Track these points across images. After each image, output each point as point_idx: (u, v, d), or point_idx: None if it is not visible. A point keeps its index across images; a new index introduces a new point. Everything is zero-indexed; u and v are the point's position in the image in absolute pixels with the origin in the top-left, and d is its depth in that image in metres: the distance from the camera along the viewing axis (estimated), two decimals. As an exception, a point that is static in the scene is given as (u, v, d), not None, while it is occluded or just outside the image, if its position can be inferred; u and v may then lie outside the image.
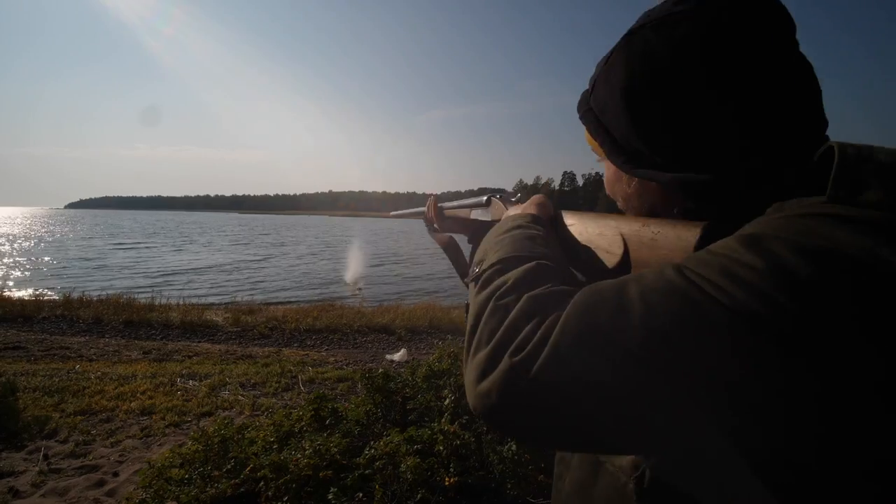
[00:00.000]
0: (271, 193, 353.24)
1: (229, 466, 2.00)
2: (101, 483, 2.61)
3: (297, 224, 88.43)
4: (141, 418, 3.65)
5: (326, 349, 7.44)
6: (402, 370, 2.64)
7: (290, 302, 13.35)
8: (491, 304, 0.43)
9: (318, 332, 8.66)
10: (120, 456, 2.97)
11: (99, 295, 11.26)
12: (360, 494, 1.62)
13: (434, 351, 3.67)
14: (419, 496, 1.54)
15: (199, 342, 7.60)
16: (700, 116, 0.42)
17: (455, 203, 0.96)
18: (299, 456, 1.86)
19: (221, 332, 8.38)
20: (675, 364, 0.32)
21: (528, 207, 0.64)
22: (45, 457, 2.91)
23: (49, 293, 11.82)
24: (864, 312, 0.29)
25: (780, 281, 0.30)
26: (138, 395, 4.14)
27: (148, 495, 1.96)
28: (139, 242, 34.79)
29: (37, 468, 2.74)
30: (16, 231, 50.11)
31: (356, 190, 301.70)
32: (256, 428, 2.45)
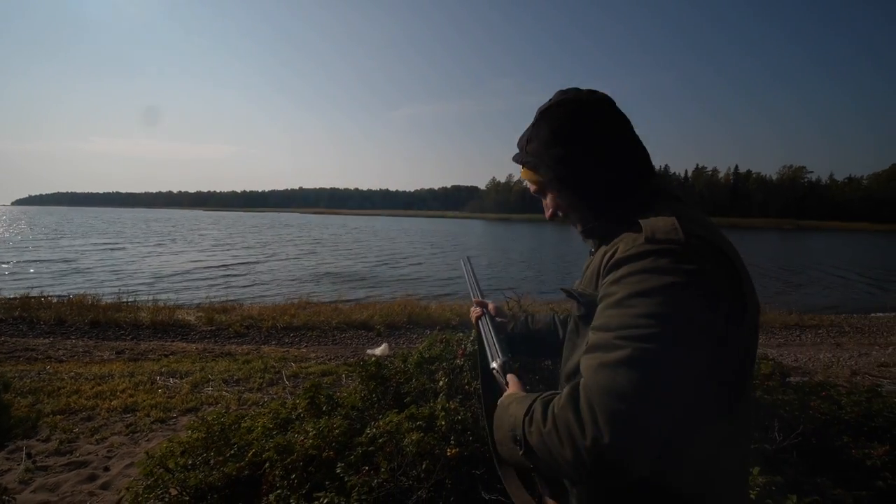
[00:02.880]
0: (238, 190, 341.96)
1: (233, 451, 2.08)
2: (92, 478, 2.62)
3: (273, 222, 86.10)
4: (124, 416, 3.63)
5: (306, 346, 7.45)
6: (393, 359, 2.76)
7: (262, 299, 13.13)
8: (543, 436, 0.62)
9: (295, 329, 8.64)
10: (108, 452, 2.97)
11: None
12: (366, 468, 1.74)
13: (417, 343, 3.78)
14: (423, 466, 1.68)
15: (173, 341, 7.45)
16: (590, 157, 0.80)
17: (484, 331, 1.08)
18: (302, 437, 1.96)
19: (195, 332, 8.23)
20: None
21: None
22: (29, 455, 2.88)
23: (4, 294, 11.20)
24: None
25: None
26: (118, 393, 4.09)
27: (150, 483, 2.02)
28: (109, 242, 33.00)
29: (21, 466, 2.72)
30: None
31: (327, 187, 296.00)
32: (253, 417, 2.52)
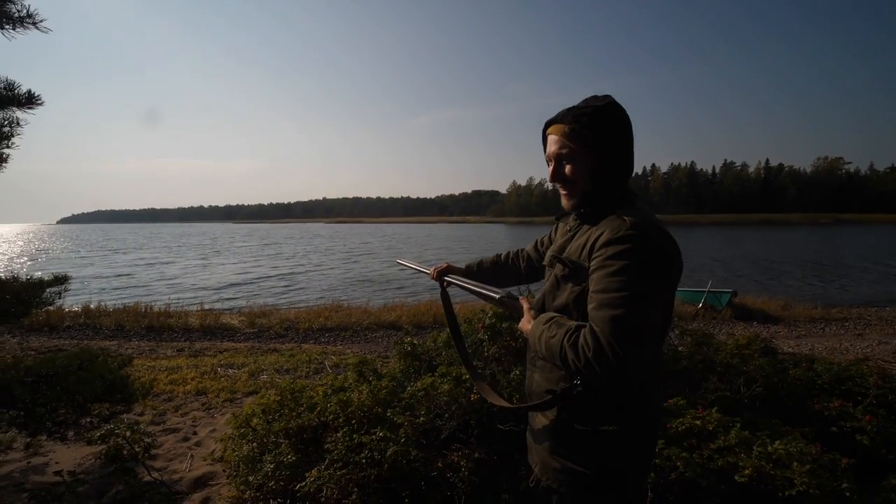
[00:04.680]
0: (265, 202, 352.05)
1: (304, 407, 2.63)
2: (186, 438, 3.23)
3: (301, 232, 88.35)
4: (198, 397, 4.27)
5: (341, 344, 8.06)
6: (424, 340, 3.27)
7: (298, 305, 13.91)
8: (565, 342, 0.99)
9: (330, 330, 9.27)
10: (193, 422, 3.59)
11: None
12: (408, 413, 2.25)
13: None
14: (453, 408, 2.18)
15: (222, 341, 8.19)
16: (619, 142, 1.10)
17: (468, 282, 1.42)
18: (357, 395, 2.50)
19: (239, 333, 8.96)
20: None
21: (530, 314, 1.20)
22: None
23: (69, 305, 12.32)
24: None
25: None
26: (189, 380, 4.75)
27: (241, 432, 2.59)
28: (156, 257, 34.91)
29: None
30: (16, 249, 50.06)
31: (350, 196, 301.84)
32: (312, 387, 3.08)
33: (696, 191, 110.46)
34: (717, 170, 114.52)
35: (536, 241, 1.55)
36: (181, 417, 3.71)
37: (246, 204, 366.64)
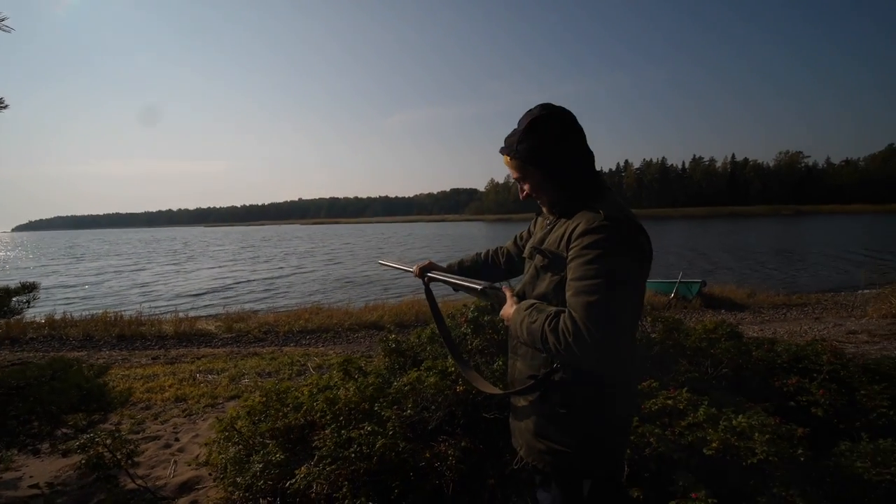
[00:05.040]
0: (238, 205, 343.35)
1: (290, 407, 2.65)
2: (168, 445, 3.19)
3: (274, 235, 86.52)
4: (177, 403, 4.20)
5: (323, 346, 8.00)
6: (408, 337, 3.32)
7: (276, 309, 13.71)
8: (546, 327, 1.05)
9: (311, 332, 9.19)
10: (174, 429, 3.54)
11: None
12: (395, 407, 2.30)
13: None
14: (439, 400, 2.24)
15: (199, 347, 8.02)
16: (565, 147, 1.15)
17: (451, 277, 1.52)
18: (344, 392, 2.53)
19: (217, 339, 8.79)
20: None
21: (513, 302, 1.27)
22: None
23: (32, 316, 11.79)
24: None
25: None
26: (166, 388, 4.66)
27: (226, 435, 2.59)
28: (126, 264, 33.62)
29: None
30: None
31: (326, 197, 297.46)
32: (297, 387, 3.09)
33: (667, 185, 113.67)
34: (687, 165, 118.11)
35: (516, 237, 1.62)
36: (161, 425, 3.65)
37: (218, 206, 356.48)
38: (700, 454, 1.80)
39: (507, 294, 1.29)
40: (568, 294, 1.06)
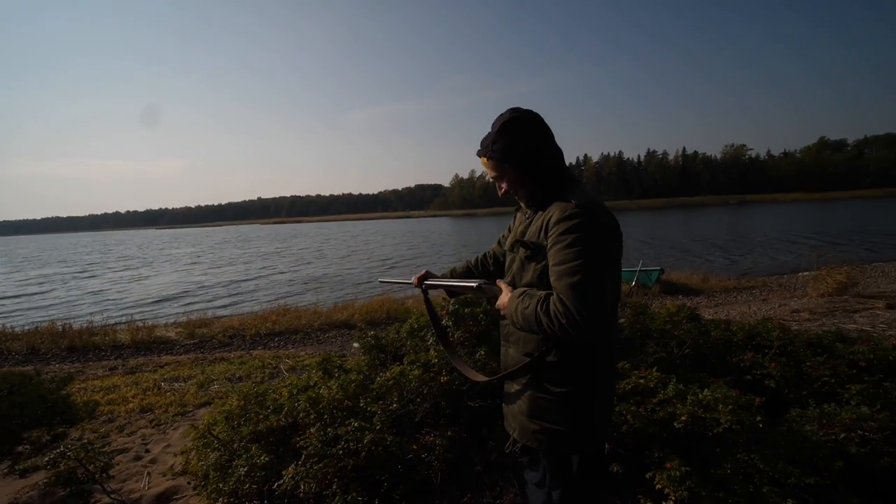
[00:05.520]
0: (192, 205, 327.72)
1: (270, 409, 2.61)
2: (138, 457, 3.07)
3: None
4: (143, 414, 4.02)
5: (293, 347, 7.85)
6: (387, 332, 3.33)
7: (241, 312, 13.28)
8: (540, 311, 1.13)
9: (279, 334, 8.99)
10: (143, 440, 3.40)
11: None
12: (381, 402, 2.33)
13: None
14: (424, 392, 2.28)
15: (160, 356, 7.68)
16: (536, 145, 1.26)
17: (447, 281, 1.63)
18: (327, 390, 2.52)
19: (178, 346, 8.44)
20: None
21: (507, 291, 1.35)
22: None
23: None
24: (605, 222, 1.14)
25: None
26: (130, 398, 4.46)
27: (204, 442, 2.52)
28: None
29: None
30: None
31: (287, 195, 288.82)
32: (276, 389, 3.04)
33: (624, 178, 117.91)
34: (642, 158, 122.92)
35: (499, 239, 1.71)
36: (128, 437, 3.50)
37: (171, 207, 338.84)
38: (671, 428, 1.94)
39: (502, 286, 1.35)
40: (552, 279, 1.15)
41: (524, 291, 1.23)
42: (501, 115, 1.29)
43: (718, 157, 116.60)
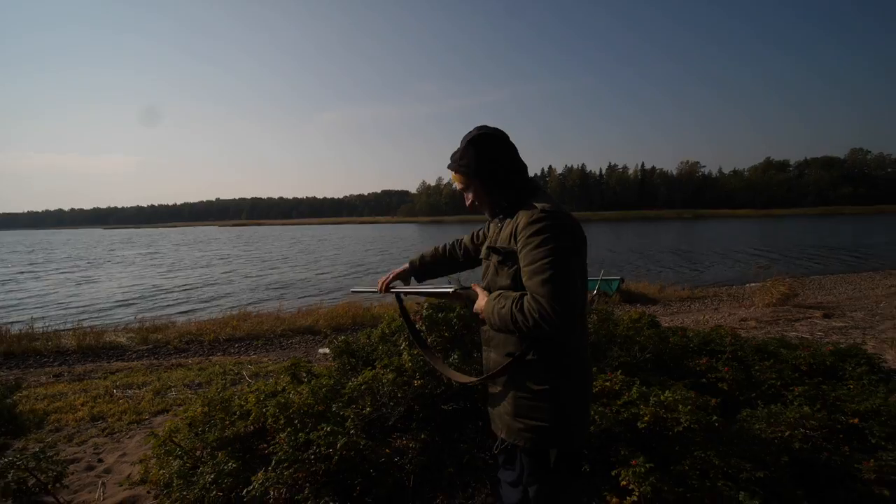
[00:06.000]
0: (145, 204, 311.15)
1: (237, 415, 2.54)
2: (90, 468, 2.89)
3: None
4: (94, 423, 3.79)
5: (255, 353, 7.60)
6: (357, 337, 3.31)
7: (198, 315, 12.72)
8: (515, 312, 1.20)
9: (239, 340, 8.69)
10: (94, 450, 3.20)
11: None
12: (353, 406, 2.31)
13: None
14: (398, 396, 2.29)
15: (110, 362, 7.24)
16: (501, 161, 1.38)
17: (419, 288, 1.72)
18: (297, 396, 2.48)
19: (130, 352, 8.00)
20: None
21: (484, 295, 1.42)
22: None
23: None
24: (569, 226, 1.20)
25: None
26: (78, 406, 4.19)
27: (167, 449, 2.42)
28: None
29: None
30: None
31: (247, 197, 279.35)
32: (241, 395, 2.96)
33: (586, 190, 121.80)
34: (604, 171, 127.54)
35: (472, 234, 1.78)
36: (78, 447, 3.29)
37: (120, 206, 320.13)
38: (635, 428, 2.05)
39: (478, 290, 1.41)
40: (525, 279, 1.22)
41: (500, 293, 1.30)
42: (469, 132, 1.41)
43: (674, 172, 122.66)
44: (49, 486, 1.99)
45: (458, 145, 1.45)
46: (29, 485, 1.95)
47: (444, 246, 1.84)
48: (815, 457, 2.03)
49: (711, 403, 2.13)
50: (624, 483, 1.82)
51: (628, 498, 1.80)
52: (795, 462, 1.98)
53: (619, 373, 2.42)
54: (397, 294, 1.79)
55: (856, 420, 2.25)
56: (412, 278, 1.84)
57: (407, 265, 1.84)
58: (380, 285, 1.79)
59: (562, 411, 1.30)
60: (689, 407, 2.02)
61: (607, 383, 2.31)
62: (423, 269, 1.83)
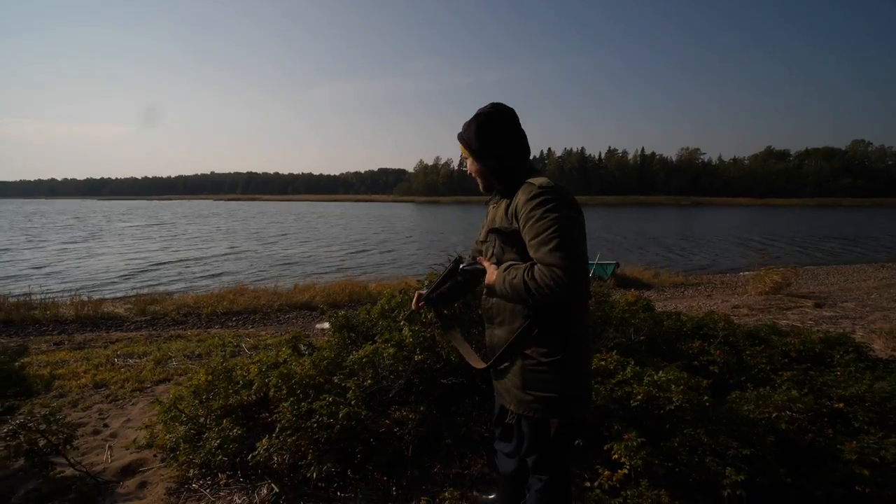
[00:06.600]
0: (139, 176, 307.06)
1: (240, 384, 2.60)
2: (97, 432, 2.97)
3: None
4: (98, 390, 3.86)
5: (252, 327, 7.68)
6: (357, 313, 3.36)
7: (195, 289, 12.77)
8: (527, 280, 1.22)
9: (237, 313, 8.75)
10: (100, 416, 3.27)
11: None
12: (355, 378, 2.38)
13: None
14: (399, 370, 2.35)
15: (109, 332, 7.31)
16: (505, 142, 1.40)
17: (438, 286, 1.71)
18: (299, 367, 2.54)
19: (129, 322, 8.05)
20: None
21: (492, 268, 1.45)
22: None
23: None
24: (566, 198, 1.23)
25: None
26: (81, 374, 4.25)
27: (172, 415, 2.49)
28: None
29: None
30: None
31: (243, 171, 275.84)
32: (243, 366, 3.02)
33: (585, 174, 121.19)
34: (603, 156, 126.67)
35: (476, 241, 1.76)
36: (83, 412, 3.36)
37: (114, 177, 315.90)
38: (628, 406, 2.12)
39: (486, 264, 1.44)
40: (532, 252, 1.25)
41: (510, 265, 1.33)
42: (483, 107, 1.43)
43: (674, 159, 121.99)
44: (60, 448, 2.05)
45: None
46: (40, 445, 2.01)
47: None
48: (800, 437, 2.11)
49: (703, 384, 2.20)
50: (616, 456, 1.90)
51: (619, 471, 1.88)
52: (781, 442, 2.06)
53: (614, 353, 2.48)
54: (434, 307, 1.78)
55: (841, 405, 2.33)
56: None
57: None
58: (414, 303, 1.79)
59: (569, 380, 1.35)
60: (681, 387, 2.08)
61: (602, 363, 2.38)
62: (452, 291, 1.78)
